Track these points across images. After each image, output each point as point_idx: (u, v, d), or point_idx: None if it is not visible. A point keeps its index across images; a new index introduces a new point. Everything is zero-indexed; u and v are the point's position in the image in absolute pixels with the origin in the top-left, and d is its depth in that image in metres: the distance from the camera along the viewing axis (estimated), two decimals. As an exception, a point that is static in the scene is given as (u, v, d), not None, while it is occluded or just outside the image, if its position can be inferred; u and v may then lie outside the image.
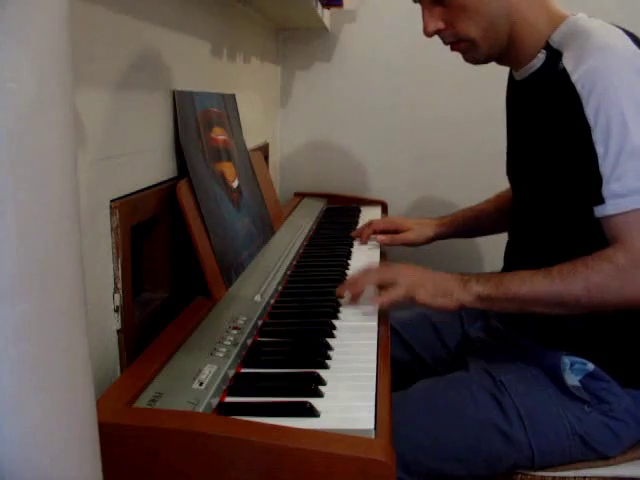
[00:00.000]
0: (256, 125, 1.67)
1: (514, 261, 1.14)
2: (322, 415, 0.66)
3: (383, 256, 1.34)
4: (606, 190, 0.87)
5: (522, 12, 0.99)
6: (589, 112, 0.88)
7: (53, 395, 0.42)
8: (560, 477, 0.97)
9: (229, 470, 0.59)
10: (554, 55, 0.96)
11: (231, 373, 0.75)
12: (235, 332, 0.84)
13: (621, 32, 0.93)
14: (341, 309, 0.98)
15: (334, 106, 2.02)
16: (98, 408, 0.48)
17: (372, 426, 0.64)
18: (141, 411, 0.64)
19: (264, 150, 1.71)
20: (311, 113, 2.05)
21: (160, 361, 0.74)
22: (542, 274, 0.89)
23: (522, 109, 1.09)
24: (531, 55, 1.01)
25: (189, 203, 0.96)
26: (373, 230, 1.41)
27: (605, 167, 0.87)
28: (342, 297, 1.01)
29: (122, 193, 0.84)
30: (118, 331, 0.82)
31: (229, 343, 0.80)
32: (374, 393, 0.71)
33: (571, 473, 0.97)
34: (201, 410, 0.64)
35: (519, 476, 0.98)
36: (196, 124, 1.08)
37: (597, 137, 0.87)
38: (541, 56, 0.99)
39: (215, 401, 0.68)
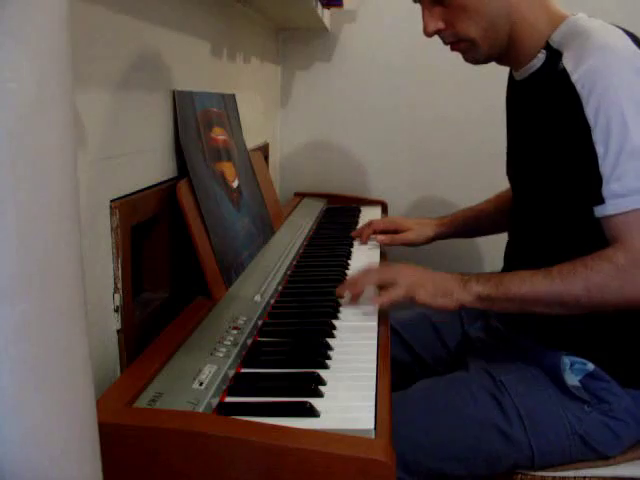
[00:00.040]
0: (256, 125, 1.67)
1: (514, 261, 1.14)
2: (322, 415, 0.66)
3: (383, 256, 1.34)
4: (606, 190, 0.87)
5: (522, 12, 0.99)
6: (589, 112, 0.88)
7: (53, 395, 0.42)
8: (560, 477, 0.97)
9: (229, 470, 0.59)
10: (554, 55, 0.96)
11: (231, 373, 0.75)
12: (235, 332, 0.84)
13: (621, 32, 0.93)
14: (341, 309, 0.98)
15: (334, 106, 2.02)
16: (98, 408, 0.48)
17: (372, 426, 0.64)
18: (141, 411, 0.64)
19: (264, 150, 1.71)
20: (311, 113, 2.04)
21: (160, 361, 0.74)
22: (542, 274, 0.89)
23: (522, 109, 1.09)
24: (531, 55, 1.01)
25: (189, 203, 0.96)
26: (373, 230, 1.41)
27: (605, 167, 0.87)
28: (342, 297, 1.01)
29: (122, 193, 0.84)
30: (118, 331, 0.82)
31: (229, 343, 0.80)
32: (374, 393, 0.71)
33: (571, 473, 0.97)
34: (201, 410, 0.64)
35: (519, 476, 0.98)
36: (196, 124, 1.08)
37: (597, 137, 0.87)
38: (541, 56, 0.99)
39: (215, 401, 0.68)
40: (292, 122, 2.06)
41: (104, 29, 0.78)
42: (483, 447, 0.95)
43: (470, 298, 0.92)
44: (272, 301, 1.01)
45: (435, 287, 0.94)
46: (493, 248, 1.46)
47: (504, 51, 1.03)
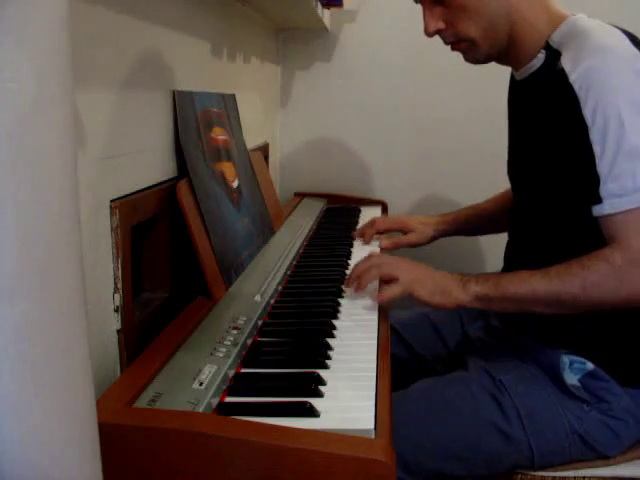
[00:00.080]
0: (256, 125, 1.67)
1: (514, 261, 1.14)
2: (322, 415, 0.66)
3: (383, 251, 1.33)
4: (603, 190, 0.87)
5: (522, 12, 0.99)
6: (586, 112, 0.88)
7: (53, 395, 0.42)
8: (560, 477, 0.97)
9: (229, 470, 0.59)
10: (553, 55, 0.96)
11: (231, 373, 0.75)
12: (235, 332, 0.84)
13: (620, 32, 0.93)
14: (341, 309, 0.98)
15: (334, 106, 2.02)
16: (98, 408, 0.48)
17: (372, 426, 0.64)
18: (141, 411, 0.64)
19: (264, 150, 1.71)
20: (311, 113, 2.04)
21: (160, 361, 0.74)
22: (540, 274, 0.89)
23: (522, 109, 1.09)
24: (531, 55, 1.01)
25: (189, 203, 0.96)
26: (376, 230, 1.41)
27: (602, 167, 0.87)
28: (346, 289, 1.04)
29: (122, 193, 0.84)
30: (118, 331, 0.82)
31: (229, 343, 0.80)
32: (374, 393, 0.71)
33: (571, 473, 0.97)
34: (201, 410, 0.64)
35: (519, 476, 0.98)
36: (196, 124, 1.08)
37: (594, 137, 0.88)
38: (541, 56, 1.00)
39: (215, 401, 0.68)
40: (292, 122, 2.06)
41: (104, 29, 0.78)
42: (483, 447, 0.95)
43: (468, 298, 0.93)
44: (272, 301, 1.01)
45: (434, 285, 0.95)
46: (494, 246, 1.46)
47: (504, 51, 1.04)
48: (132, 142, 0.88)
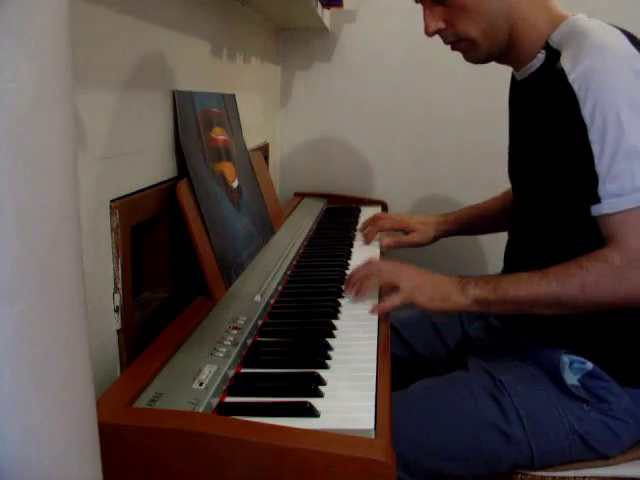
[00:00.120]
0: (256, 125, 1.67)
1: (514, 261, 1.14)
2: (322, 415, 0.66)
3: (382, 256, 1.33)
4: (602, 190, 0.88)
5: (522, 12, 0.99)
6: (585, 112, 0.88)
7: (53, 395, 0.42)
8: (560, 477, 0.97)
9: (229, 470, 0.59)
10: (553, 55, 0.96)
11: (231, 373, 0.75)
12: (235, 332, 0.84)
13: (619, 32, 0.93)
14: (341, 309, 0.98)
15: (334, 106, 2.02)
16: (98, 408, 0.48)
17: (372, 426, 0.64)
18: (141, 411, 0.64)
19: (264, 150, 1.71)
20: (311, 113, 2.04)
21: (160, 361, 0.74)
22: (538, 276, 0.90)
23: (522, 109, 1.10)
24: (531, 55, 1.01)
25: (189, 203, 0.96)
26: (378, 230, 1.41)
27: (601, 167, 0.87)
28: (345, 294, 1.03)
29: (122, 193, 0.84)
30: (118, 331, 0.82)
31: (229, 343, 0.80)
32: (374, 393, 0.71)
33: (571, 473, 0.97)
34: (201, 410, 0.64)
35: (519, 476, 0.98)
36: (196, 124, 1.08)
37: (593, 137, 0.88)
38: (541, 56, 1.00)
39: (215, 401, 0.68)
40: (292, 122, 2.06)
41: (104, 29, 0.78)
42: (483, 447, 0.95)
43: (467, 302, 0.93)
44: (272, 301, 1.01)
45: (434, 291, 0.95)
46: (494, 246, 1.46)
47: (504, 51, 1.04)
48: (132, 142, 0.88)
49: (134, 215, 0.86)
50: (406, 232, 1.43)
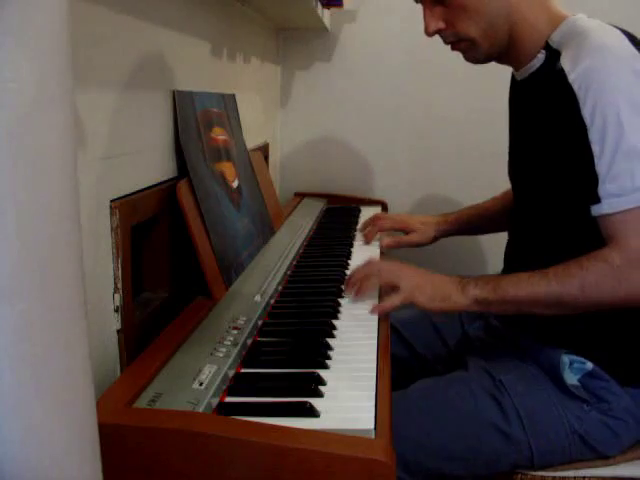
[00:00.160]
0: (256, 125, 1.67)
1: (514, 261, 1.14)
2: (322, 415, 0.66)
3: (382, 256, 1.33)
4: (602, 189, 0.88)
5: (522, 12, 0.99)
6: (585, 112, 0.88)
7: (53, 395, 0.42)
8: (560, 477, 0.97)
9: (229, 470, 0.59)
10: (553, 55, 0.96)
11: (231, 373, 0.75)
12: (235, 332, 0.84)
13: (619, 32, 0.93)
14: (341, 309, 0.98)
15: (334, 106, 2.02)
16: (98, 408, 0.48)
17: (372, 426, 0.64)
18: (141, 411, 0.64)
19: (264, 150, 1.71)
20: (311, 113, 2.05)
21: (160, 361, 0.74)
22: (538, 276, 0.90)
23: (522, 109, 1.10)
24: (531, 55, 1.01)
25: (189, 203, 0.96)
26: (378, 230, 1.41)
27: (601, 167, 0.87)
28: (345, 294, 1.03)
29: (122, 193, 0.84)
30: (118, 331, 0.82)
31: (229, 343, 0.80)
32: (374, 393, 0.71)
33: (571, 473, 0.97)
34: (201, 410, 0.64)
35: (519, 476, 0.98)
36: (196, 124, 1.08)
37: (593, 137, 0.88)
38: (541, 56, 1.00)
39: (215, 401, 0.68)
40: (292, 122, 2.06)
41: (104, 29, 0.78)
42: (483, 447, 0.95)
43: (467, 302, 0.93)
44: (272, 301, 1.01)
45: (434, 291, 0.95)
46: (495, 245, 1.46)
47: (504, 51, 1.04)
48: (132, 142, 0.88)
49: (134, 215, 0.86)
50: (406, 232, 1.43)
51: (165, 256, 0.99)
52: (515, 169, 1.15)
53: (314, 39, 1.99)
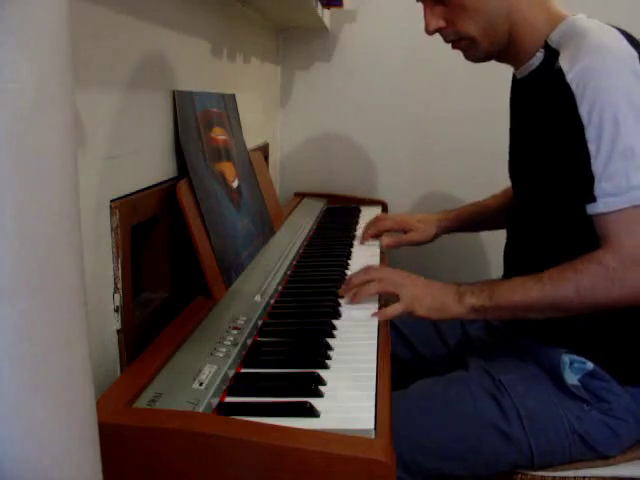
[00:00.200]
0: (256, 125, 1.67)
1: (513, 261, 1.14)
2: (322, 415, 0.66)
3: (383, 256, 1.33)
4: (597, 189, 0.88)
5: (522, 12, 1.00)
6: (583, 111, 0.88)
7: (53, 395, 0.42)
8: (560, 477, 0.97)
9: (229, 470, 0.59)
10: (552, 54, 0.97)
11: (231, 373, 0.75)
12: (235, 332, 0.84)
13: (617, 33, 0.93)
14: (341, 309, 0.98)
15: (334, 106, 2.02)
16: (98, 408, 0.48)
17: (372, 426, 0.64)
18: (141, 411, 0.64)
19: (264, 150, 1.71)
20: (311, 113, 2.04)
21: (160, 361, 0.74)
22: (533, 281, 0.90)
23: (522, 107, 1.10)
24: (530, 54, 1.02)
25: (189, 203, 0.96)
26: (377, 231, 1.42)
27: (597, 166, 0.88)
28: (342, 297, 1.02)
29: (122, 193, 0.84)
30: (118, 331, 0.82)
31: (229, 343, 0.80)
32: (374, 393, 0.71)
33: (571, 473, 0.97)
34: (201, 410, 0.64)
35: (519, 476, 0.98)
36: (196, 124, 1.08)
37: (590, 136, 0.88)
38: (539, 55, 1.00)
39: (215, 401, 0.68)
40: (292, 122, 2.05)
41: (104, 29, 0.78)
42: (483, 447, 0.95)
43: (464, 310, 0.94)
44: (272, 301, 1.01)
45: (432, 301, 0.96)
46: (495, 243, 1.46)
47: (504, 49, 1.04)
48: (132, 142, 0.88)
49: (134, 215, 0.86)
50: (405, 231, 1.43)
51: (165, 256, 0.99)
52: (515, 167, 1.15)
53: (314, 39, 1.99)
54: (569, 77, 0.90)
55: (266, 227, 1.34)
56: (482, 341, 1.16)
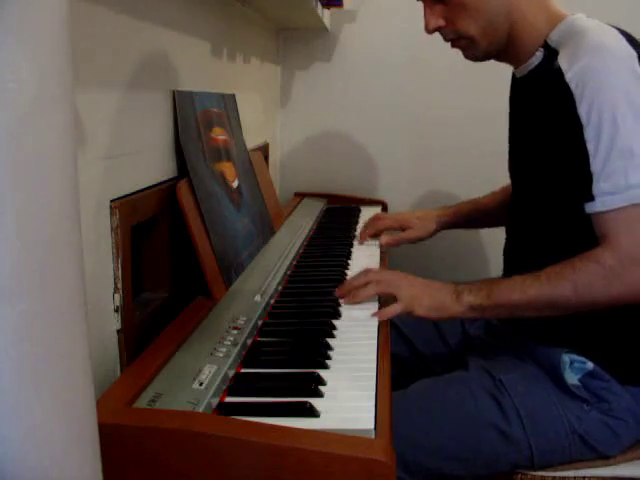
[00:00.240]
0: (256, 125, 1.67)
1: (512, 259, 1.14)
2: (322, 415, 0.66)
3: (383, 256, 1.33)
4: (596, 188, 0.88)
5: (522, 11, 1.00)
6: (581, 110, 0.89)
7: (53, 395, 0.42)
8: (560, 477, 0.97)
9: (229, 470, 0.59)
10: (551, 54, 0.97)
11: (231, 373, 0.75)
12: (235, 332, 0.84)
13: (617, 32, 0.94)
14: (341, 309, 0.98)
15: (334, 106, 2.02)
16: (98, 408, 0.48)
17: (372, 426, 0.64)
18: (141, 411, 0.64)
19: (264, 150, 1.71)
20: (311, 113, 2.04)
21: (160, 361, 0.74)
22: (531, 279, 0.90)
23: (521, 106, 1.10)
24: (529, 53, 1.02)
25: (189, 203, 0.96)
26: (375, 231, 1.42)
27: (595, 165, 0.88)
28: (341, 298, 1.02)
29: (122, 193, 0.84)
30: (118, 331, 0.82)
31: (229, 343, 0.80)
32: (374, 393, 0.71)
33: (571, 473, 0.97)
34: (201, 410, 0.64)
35: (519, 476, 0.98)
36: (196, 124, 1.08)
37: (588, 135, 0.88)
38: (539, 54, 1.00)
39: (215, 401, 0.68)
40: (292, 122, 2.05)
41: (104, 29, 0.78)
42: (483, 447, 0.95)
43: (462, 309, 0.94)
44: (272, 301, 1.01)
45: (431, 301, 0.96)
46: (494, 241, 1.46)
47: (503, 49, 1.04)
48: (132, 142, 0.88)
49: (134, 215, 0.86)
50: (404, 229, 1.43)
51: (165, 256, 0.99)
52: (514, 166, 1.15)
53: (314, 39, 1.99)
54: (568, 76, 0.90)
55: (266, 227, 1.34)
56: (482, 341, 1.16)
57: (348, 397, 0.70)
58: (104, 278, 0.80)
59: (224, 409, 0.67)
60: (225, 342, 0.80)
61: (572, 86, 0.90)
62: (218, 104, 1.23)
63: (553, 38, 0.98)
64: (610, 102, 0.87)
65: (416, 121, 1.99)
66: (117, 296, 0.81)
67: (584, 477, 0.97)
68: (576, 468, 0.97)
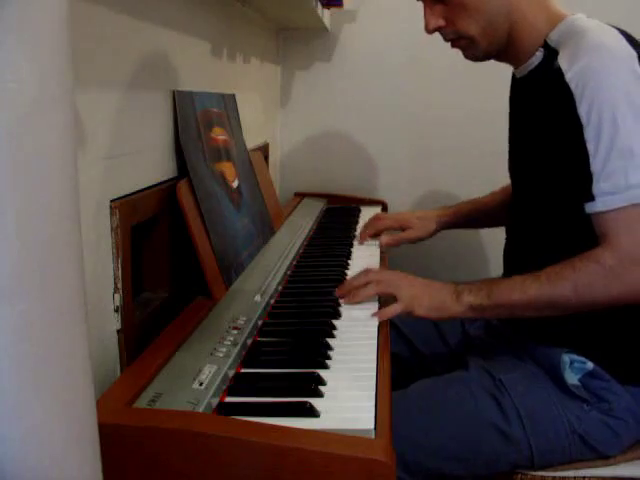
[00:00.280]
0: (256, 125, 1.67)
1: (512, 259, 1.14)
2: (322, 415, 0.66)
3: (383, 256, 1.33)
4: (596, 188, 0.88)
5: (522, 11, 1.00)
6: (581, 110, 0.89)
7: (53, 395, 0.42)
8: (560, 477, 0.97)
9: (229, 470, 0.59)
10: (551, 54, 0.97)
11: (231, 373, 0.75)
12: (235, 332, 0.84)
13: (617, 32, 0.94)
14: (341, 309, 0.98)
15: (334, 106, 2.02)
16: (98, 408, 0.48)
17: (372, 426, 0.64)
18: (141, 411, 0.64)
19: (264, 150, 1.71)
20: (311, 113, 2.04)
21: (160, 361, 0.74)
22: (531, 279, 0.90)
23: (521, 106, 1.10)
24: (529, 53, 1.02)
25: (189, 203, 0.96)
26: (374, 231, 1.42)
27: (595, 165, 0.88)
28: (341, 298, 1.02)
29: (122, 193, 0.84)
30: (118, 331, 0.82)
31: (229, 343, 0.80)
32: (374, 393, 0.71)
33: (571, 473, 0.97)
34: (201, 410, 0.64)
35: (519, 476, 0.98)
36: (196, 124, 1.08)
37: (588, 135, 0.88)
38: (539, 54, 1.00)
39: (215, 401, 0.68)
40: (292, 122, 2.06)
41: (104, 29, 0.78)
42: (482, 447, 0.95)
43: (462, 309, 0.94)
44: (272, 301, 1.01)
45: (431, 301, 0.96)
46: (494, 240, 1.46)
47: (503, 49, 1.05)
48: (132, 142, 0.88)
49: (134, 215, 0.86)
50: (404, 229, 1.43)
51: (165, 256, 0.99)
52: (514, 166, 1.15)
53: (314, 39, 1.99)
54: (568, 76, 0.90)
55: (266, 227, 1.34)
56: (482, 341, 1.16)
57: (348, 397, 0.70)
58: (104, 278, 0.80)
59: (224, 409, 0.67)
60: (225, 342, 0.80)
61: (572, 86, 0.90)
62: (218, 104, 1.23)
63: (553, 38, 0.98)
64: (610, 102, 0.87)
65: (416, 121, 1.99)
66: (117, 296, 0.81)
67: (584, 477, 0.97)
68: (576, 468, 0.97)
